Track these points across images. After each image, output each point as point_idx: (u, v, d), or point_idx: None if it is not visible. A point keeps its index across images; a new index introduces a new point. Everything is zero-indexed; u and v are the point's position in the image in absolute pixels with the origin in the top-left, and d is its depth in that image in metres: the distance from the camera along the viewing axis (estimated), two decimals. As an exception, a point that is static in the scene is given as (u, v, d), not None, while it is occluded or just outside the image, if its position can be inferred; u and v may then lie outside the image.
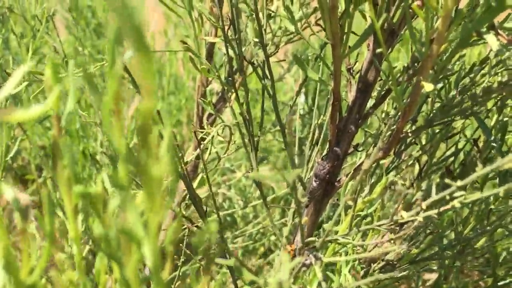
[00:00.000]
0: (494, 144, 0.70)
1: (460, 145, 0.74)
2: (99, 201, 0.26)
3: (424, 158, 0.78)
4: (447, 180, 0.39)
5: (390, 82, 0.50)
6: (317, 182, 0.56)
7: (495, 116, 0.72)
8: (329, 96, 0.73)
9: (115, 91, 0.24)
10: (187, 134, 1.59)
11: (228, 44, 0.51)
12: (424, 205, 0.42)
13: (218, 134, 0.70)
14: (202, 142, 0.80)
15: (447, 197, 0.41)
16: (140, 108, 0.22)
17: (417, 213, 0.43)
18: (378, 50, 0.42)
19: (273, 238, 1.01)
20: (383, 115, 0.70)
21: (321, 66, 0.68)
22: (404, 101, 0.59)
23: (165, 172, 0.22)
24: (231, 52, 0.52)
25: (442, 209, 0.43)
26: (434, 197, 0.42)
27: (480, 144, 0.74)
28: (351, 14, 0.46)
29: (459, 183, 0.39)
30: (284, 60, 0.87)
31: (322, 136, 0.69)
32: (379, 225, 0.48)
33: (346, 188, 0.56)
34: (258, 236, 1.05)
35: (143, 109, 0.22)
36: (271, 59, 0.86)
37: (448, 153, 0.74)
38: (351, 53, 0.51)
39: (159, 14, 1.66)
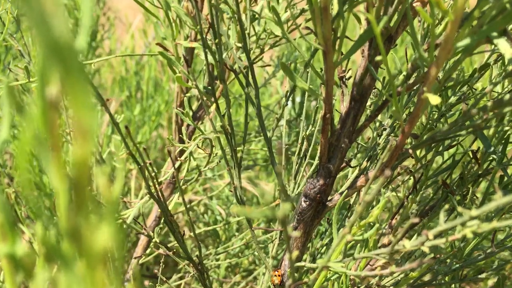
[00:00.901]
0: (494, 156, 0.66)
1: (457, 157, 0.69)
2: (28, 266, 0.20)
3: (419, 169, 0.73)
4: (460, 209, 0.34)
5: (389, 94, 0.45)
6: (307, 203, 0.51)
7: (493, 126, 0.68)
8: (317, 105, 0.68)
9: (48, 120, 0.18)
10: (167, 137, 1.52)
11: (207, 50, 0.45)
12: (431, 235, 0.37)
13: (198, 147, 0.65)
14: (178, 159, 0.74)
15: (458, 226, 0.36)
16: (74, 156, 0.16)
17: (422, 243, 0.38)
18: (378, 58, 0.37)
19: (257, 253, 0.95)
20: (377, 124, 0.65)
21: (309, 73, 0.63)
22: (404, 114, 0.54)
23: (108, 241, 0.16)
24: (210, 58, 0.47)
25: (451, 239, 0.37)
26: (443, 225, 0.36)
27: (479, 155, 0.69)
28: (346, 16, 0.41)
29: (474, 212, 0.34)
30: (269, 65, 0.81)
31: (310, 149, 0.63)
32: (377, 254, 0.43)
33: (339, 207, 0.50)
34: (242, 247, 0.99)
35: (77, 157, 0.16)
36: (256, 64, 0.80)
37: (445, 165, 0.69)
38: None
39: (141, 12, 1.59)
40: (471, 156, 0.67)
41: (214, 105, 0.49)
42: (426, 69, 0.43)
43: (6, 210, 0.23)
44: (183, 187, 0.79)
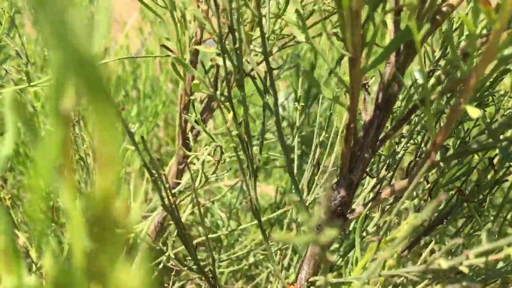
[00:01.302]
0: (512, 164, 0.64)
1: (473, 164, 0.68)
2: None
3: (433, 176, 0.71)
4: (510, 230, 0.32)
5: (420, 100, 0.43)
6: (327, 216, 0.49)
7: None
8: (331, 111, 0.66)
9: (61, 141, 0.15)
10: (163, 137, 1.49)
11: (225, 55, 0.42)
12: (472, 255, 0.35)
13: (208, 154, 0.62)
14: (185, 161, 0.72)
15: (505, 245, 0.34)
16: (97, 187, 0.13)
17: (460, 263, 0.36)
18: (418, 69, 0.34)
19: (261, 256, 0.93)
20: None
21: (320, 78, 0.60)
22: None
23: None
24: (229, 64, 0.44)
25: (492, 258, 0.35)
26: (485, 245, 0.34)
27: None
28: (377, 22, 0.38)
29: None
30: (278, 68, 0.79)
31: (325, 157, 0.61)
32: (408, 272, 0.41)
33: (363, 221, 0.48)
34: (245, 254, 0.96)
35: (101, 193, 0.13)
36: (260, 67, 0.77)
37: (460, 172, 0.67)
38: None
39: (137, 10, 1.55)
40: (488, 163, 0.66)
41: (231, 113, 0.46)
42: (459, 75, 0.41)
43: (9, 234, 0.20)
44: (191, 194, 0.76)
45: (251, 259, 0.96)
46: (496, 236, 0.63)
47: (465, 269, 0.36)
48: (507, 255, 0.34)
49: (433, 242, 0.66)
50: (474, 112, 0.35)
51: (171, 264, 0.48)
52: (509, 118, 0.45)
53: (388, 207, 0.63)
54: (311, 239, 0.25)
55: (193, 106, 0.66)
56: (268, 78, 0.47)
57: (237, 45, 0.43)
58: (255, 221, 0.90)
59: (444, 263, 0.37)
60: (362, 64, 0.40)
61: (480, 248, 0.34)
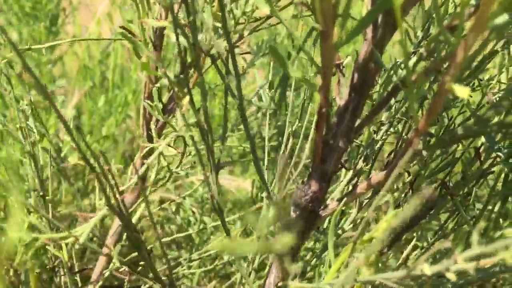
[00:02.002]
0: (499, 154, 0.59)
1: (457, 154, 0.63)
2: None
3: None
4: (507, 232, 0.27)
5: (400, 80, 0.37)
6: (297, 213, 0.43)
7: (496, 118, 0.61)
8: (304, 98, 0.60)
9: None
10: (136, 129, 1.42)
11: (179, 30, 0.36)
12: (461, 259, 0.30)
13: (169, 146, 0.56)
14: (145, 161, 0.66)
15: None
16: None
17: (447, 268, 0.31)
18: (395, 40, 0.29)
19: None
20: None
21: (294, 59, 0.55)
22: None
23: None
24: (183, 40, 0.38)
25: (484, 263, 0.30)
26: (475, 249, 0.29)
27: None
28: (351, -12, 0.33)
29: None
30: (249, 52, 0.73)
31: (298, 147, 0.56)
32: (387, 279, 0.35)
33: (336, 218, 0.43)
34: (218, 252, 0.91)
35: None
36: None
37: (444, 163, 0.63)
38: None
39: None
40: (474, 154, 0.61)
41: (187, 98, 0.40)
42: (446, 52, 0.36)
43: None
44: (153, 189, 0.70)
45: (226, 257, 0.91)
46: (483, 231, 0.59)
47: (452, 277, 0.31)
48: (502, 259, 0.29)
49: (415, 239, 0.61)
50: (462, 91, 0.30)
51: (119, 272, 0.42)
52: (497, 102, 0.40)
53: (366, 201, 0.57)
54: (261, 248, 0.20)
55: (159, 94, 0.60)
56: (230, 57, 0.42)
57: (191, 18, 0.37)
58: (232, 217, 0.84)
59: (427, 269, 0.32)
60: (334, 39, 0.35)
61: (471, 252, 0.29)
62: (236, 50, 0.75)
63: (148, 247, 0.49)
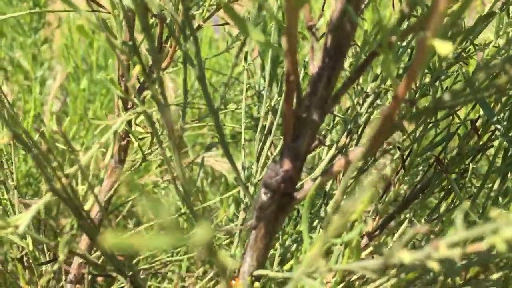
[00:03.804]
0: (498, 127, 0.54)
1: (452, 128, 0.58)
2: None
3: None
4: (494, 212, 0.22)
5: (377, 44, 0.32)
6: (268, 195, 0.39)
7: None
8: (285, 69, 0.55)
9: None
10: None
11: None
12: (443, 245, 0.25)
13: (136, 125, 0.52)
14: (127, 137, 0.62)
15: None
16: None
17: (428, 256, 0.26)
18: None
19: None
20: (357, 88, 0.53)
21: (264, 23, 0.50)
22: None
23: None
24: (127, 1, 0.33)
25: (471, 249, 0.26)
26: (461, 232, 0.25)
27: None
28: None
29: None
30: (228, 23, 0.68)
31: (276, 123, 0.51)
32: (364, 268, 0.31)
33: (311, 200, 0.38)
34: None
35: None
36: (208, 23, 0.66)
37: (438, 138, 0.58)
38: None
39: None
40: (470, 127, 0.56)
41: (138, 67, 0.36)
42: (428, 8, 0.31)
43: None
44: (127, 172, 0.66)
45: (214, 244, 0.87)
46: (481, 211, 0.54)
47: (434, 265, 0.26)
48: (491, 244, 0.24)
49: (406, 221, 0.57)
50: (444, 47, 0.25)
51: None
52: (491, 66, 0.35)
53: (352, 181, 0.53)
54: (168, 241, 0.15)
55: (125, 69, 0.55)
56: (186, 22, 0.37)
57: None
58: (214, 200, 0.80)
59: (406, 257, 0.27)
60: (297, -8, 0.30)
61: (455, 237, 0.25)
62: (214, 21, 0.70)
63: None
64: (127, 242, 0.15)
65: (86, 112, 1.14)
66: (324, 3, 0.43)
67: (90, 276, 0.56)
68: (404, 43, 0.48)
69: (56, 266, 0.60)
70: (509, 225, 0.23)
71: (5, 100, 0.35)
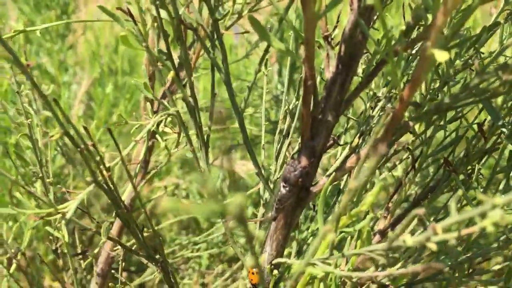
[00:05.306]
0: (504, 130, 0.57)
1: (460, 131, 0.61)
2: None
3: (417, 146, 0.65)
4: (481, 196, 0.26)
5: (385, 52, 0.36)
6: (287, 189, 0.43)
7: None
8: (302, 75, 0.59)
9: None
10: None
11: (158, 1, 0.36)
12: (439, 229, 0.29)
13: (165, 126, 0.56)
14: (153, 138, 0.66)
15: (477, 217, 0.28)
16: None
17: (427, 239, 0.30)
18: (369, 1, 0.28)
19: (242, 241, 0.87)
20: (370, 94, 0.56)
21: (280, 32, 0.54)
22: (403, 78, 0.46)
23: None
24: (164, 14, 0.38)
25: (465, 232, 0.29)
26: (454, 216, 0.28)
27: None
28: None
29: (499, 199, 0.26)
30: (248, 31, 0.72)
31: (293, 125, 0.55)
32: (371, 251, 0.35)
33: (326, 193, 0.42)
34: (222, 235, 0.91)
35: None
36: (231, 31, 0.71)
37: (447, 140, 0.61)
38: (328, 12, 0.37)
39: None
40: (477, 130, 0.59)
41: (172, 73, 0.40)
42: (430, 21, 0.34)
43: None
44: (153, 171, 0.70)
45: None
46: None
47: (433, 246, 0.30)
48: (481, 228, 0.28)
49: (416, 219, 0.60)
50: (441, 55, 0.29)
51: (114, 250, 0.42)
52: (482, 70, 0.39)
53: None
54: (210, 207, 0.19)
55: (152, 75, 0.60)
56: (215, 31, 0.41)
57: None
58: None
59: (409, 240, 0.31)
60: (316, 6, 0.34)
61: (449, 220, 0.28)
62: (235, 30, 0.74)
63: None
64: (180, 206, 0.19)
65: (111, 116, 1.19)
66: (339, 15, 0.47)
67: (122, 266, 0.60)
68: (414, 51, 0.52)
69: (88, 260, 0.64)
70: (495, 209, 0.27)
71: (54, 102, 0.40)
